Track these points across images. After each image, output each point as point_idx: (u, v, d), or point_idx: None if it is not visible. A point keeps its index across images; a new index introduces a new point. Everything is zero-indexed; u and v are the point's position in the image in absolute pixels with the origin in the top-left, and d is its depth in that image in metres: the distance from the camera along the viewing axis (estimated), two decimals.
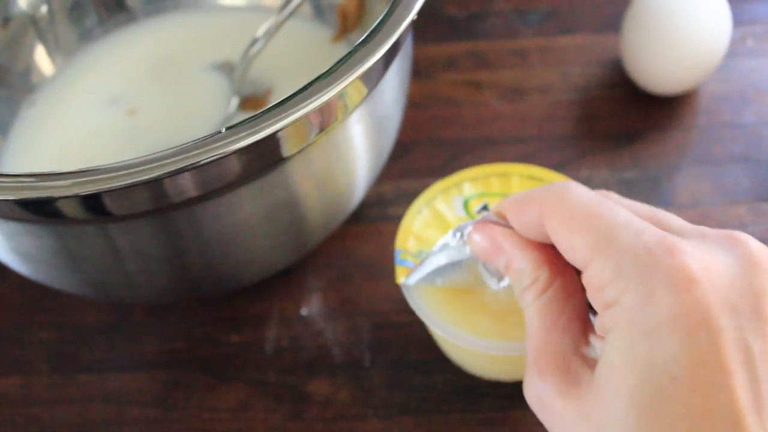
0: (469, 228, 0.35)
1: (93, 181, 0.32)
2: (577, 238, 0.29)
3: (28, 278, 0.43)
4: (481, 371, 0.42)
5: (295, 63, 0.52)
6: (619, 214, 0.29)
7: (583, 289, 0.31)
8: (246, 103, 0.51)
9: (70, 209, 0.34)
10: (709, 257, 0.27)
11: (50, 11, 0.53)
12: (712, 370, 0.25)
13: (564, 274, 0.31)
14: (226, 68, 0.52)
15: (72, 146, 0.50)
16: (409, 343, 0.45)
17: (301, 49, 0.53)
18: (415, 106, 0.55)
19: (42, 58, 0.53)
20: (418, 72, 0.58)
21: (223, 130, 0.33)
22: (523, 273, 0.32)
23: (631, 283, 0.27)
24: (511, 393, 0.42)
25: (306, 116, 0.34)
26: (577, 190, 0.30)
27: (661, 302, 0.26)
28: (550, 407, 0.29)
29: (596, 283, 0.28)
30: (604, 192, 0.33)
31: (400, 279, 0.39)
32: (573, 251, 0.29)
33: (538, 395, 0.30)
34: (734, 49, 0.57)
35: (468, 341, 0.37)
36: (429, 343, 0.44)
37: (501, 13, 0.62)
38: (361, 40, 0.36)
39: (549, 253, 0.32)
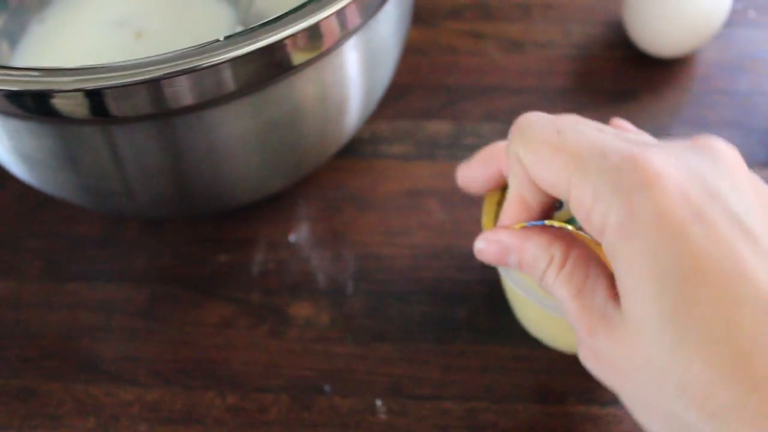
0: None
1: (95, 79, 0.34)
2: (552, 170, 0.30)
3: (27, 186, 0.44)
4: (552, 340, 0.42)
5: None
6: (582, 139, 0.29)
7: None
8: None
9: (70, 107, 0.35)
10: (673, 157, 0.28)
11: None
12: (718, 251, 0.26)
13: (575, 243, 0.31)
14: None
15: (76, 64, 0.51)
16: (392, 274, 0.46)
17: None
18: (416, 51, 0.56)
19: None
20: (422, 19, 0.58)
21: (222, 39, 0.34)
22: (537, 259, 0.31)
23: (611, 202, 0.28)
24: (487, 327, 0.43)
25: (302, 32, 0.35)
26: (538, 123, 0.31)
27: (641, 208, 0.27)
28: (603, 358, 0.29)
29: (581, 212, 0.29)
30: (568, 117, 0.33)
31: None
32: (553, 184, 0.30)
33: (592, 353, 0.30)
34: (735, 19, 0.57)
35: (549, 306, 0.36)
36: (411, 275, 0.45)
37: None
38: None
39: (551, 232, 0.32)
